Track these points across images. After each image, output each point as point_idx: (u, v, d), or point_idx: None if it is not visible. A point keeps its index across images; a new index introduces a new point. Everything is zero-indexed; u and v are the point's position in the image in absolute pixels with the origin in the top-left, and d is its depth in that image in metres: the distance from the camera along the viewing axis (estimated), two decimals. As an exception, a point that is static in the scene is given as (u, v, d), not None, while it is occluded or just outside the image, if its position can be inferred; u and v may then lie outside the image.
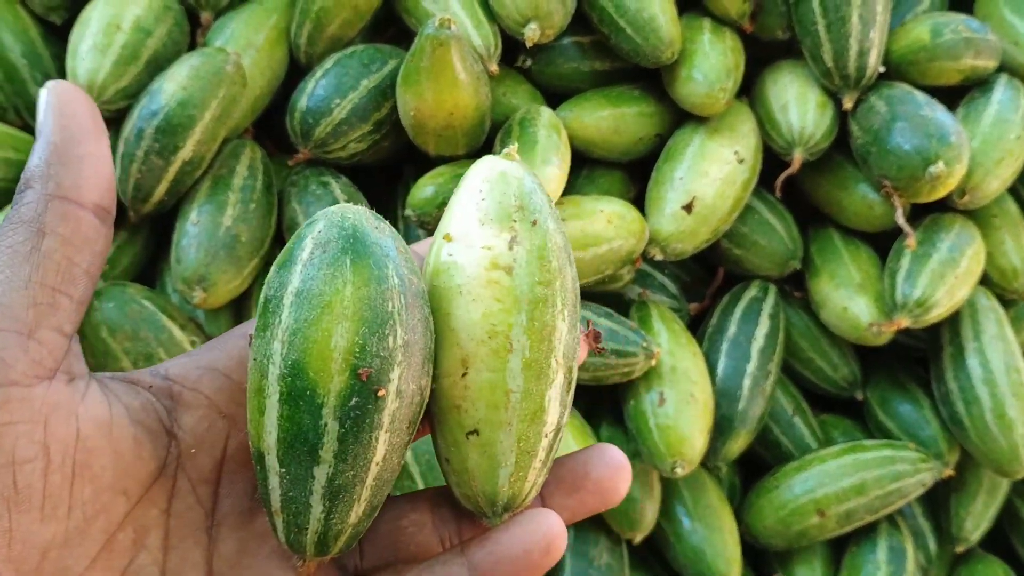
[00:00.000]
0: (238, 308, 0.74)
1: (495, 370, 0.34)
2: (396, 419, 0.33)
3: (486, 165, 0.37)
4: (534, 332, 0.35)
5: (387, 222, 0.36)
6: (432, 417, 0.37)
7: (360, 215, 0.34)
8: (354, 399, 0.32)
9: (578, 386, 0.77)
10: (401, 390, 0.33)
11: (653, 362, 0.71)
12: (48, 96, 0.36)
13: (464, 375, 0.34)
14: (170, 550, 0.36)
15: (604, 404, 0.79)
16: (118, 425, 0.35)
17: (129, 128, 0.68)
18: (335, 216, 0.34)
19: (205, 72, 0.68)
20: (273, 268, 0.34)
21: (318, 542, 0.34)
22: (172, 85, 0.68)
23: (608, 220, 0.71)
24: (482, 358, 0.34)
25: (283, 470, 0.33)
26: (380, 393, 0.32)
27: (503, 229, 0.35)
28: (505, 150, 0.38)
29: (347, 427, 0.32)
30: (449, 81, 0.68)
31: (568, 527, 0.74)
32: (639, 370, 0.71)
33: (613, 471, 0.38)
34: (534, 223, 0.35)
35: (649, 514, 0.74)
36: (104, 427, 0.34)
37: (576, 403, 0.78)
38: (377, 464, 0.33)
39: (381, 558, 0.38)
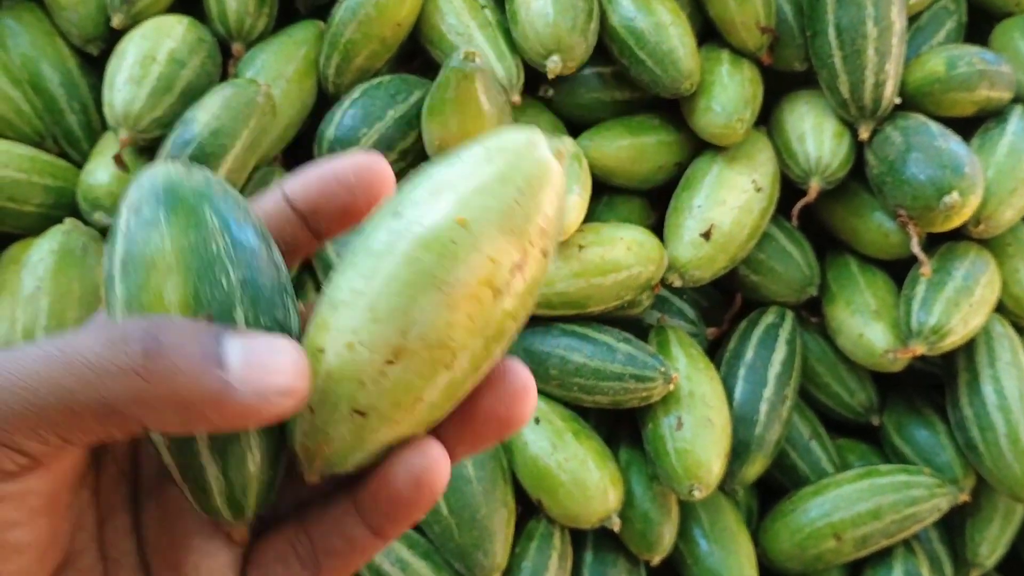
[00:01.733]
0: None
1: (423, 377, 0.31)
2: None
3: (535, 160, 0.31)
4: (476, 360, 0.31)
5: (204, 168, 0.34)
6: (317, 363, 0.32)
7: (171, 169, 0.33)
8: None
9: (597, 410, 0.79)
10: (252, 327, 0.31)
11: (671, 387, 0.72)
12: None
13: (389, 363, 0.30)
14: (104, 523, 0.36)
15: (623, 427, 0.80)
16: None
17: (164, 156, 0.70)
18: (144, 177, 0.33)
19: (237, 103, 0.70)
20: (104, 246, 0.33)
21: (228, 502, 0.33)
22: (205, 115, 0.70)
23: (627, 247, 0.73)
24: (419, 361, 0.30)
25: (166, 439, 0.32)
26: None
27: (517, 249, 0.30)
28: (557, 146, 0.32)
29: None
30: (474, 112, 0.70)
31: (589, 548, 0.76)
32: (657, 394, 0.73)
33: (510, 396, 0.33)
34: (544, 254, 0.32)
35: (667, 536, 0.75)
36: None
37: (596, 427, 0.79)
38: None
39: (281, 505, 0.37)
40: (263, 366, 0.29)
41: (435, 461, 0.32)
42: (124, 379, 0.28)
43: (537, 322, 0.75)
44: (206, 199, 0.32)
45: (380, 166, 0.35)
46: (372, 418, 0.31)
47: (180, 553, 0.35)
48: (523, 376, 0.33)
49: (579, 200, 0.71)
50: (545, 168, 0.31)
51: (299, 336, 0.33)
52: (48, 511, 0.32)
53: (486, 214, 0.30)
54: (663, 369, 0.72)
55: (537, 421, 0.73)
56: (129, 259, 0.31)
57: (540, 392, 0.76)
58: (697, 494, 0.71)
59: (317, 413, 0.32)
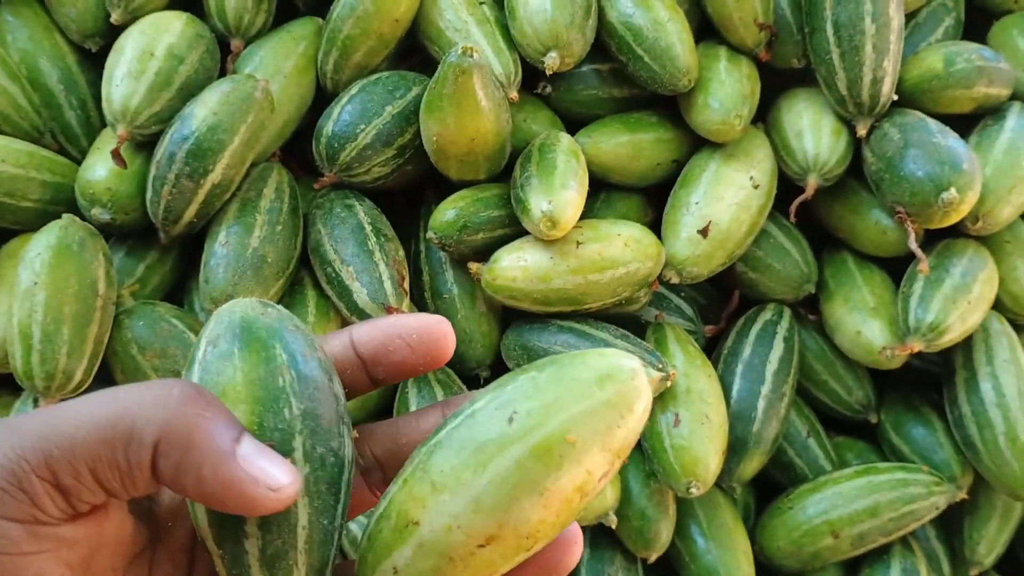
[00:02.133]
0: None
1: (506, 559, 0.35)
2: (311, 483, 0.35)
3: (637, 391, 0.35)
4: (551, 538, 0.36)
5: (278, 306, 0.38)
6: (410, 534, 0.35)
7: (247, 305, 0.37)
8: None
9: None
10: (309, 455, 0.35)
11: (669, 383, 0.72)
12: None
13: (480, 547, 0.34)
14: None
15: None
16: (116, 508, 0.37)
17: (161, 152, 0.70)
18: (223, 312, 0.37)
19: (235, 98, 0.70)
20: (183, 372, 0.37)
21: None
22: (203, 110, 0.70)
23: (625, 243, 0.73)
24: (506, 547, 0.34)
25: (221, 551, 0.35)
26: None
27: (608, 462, 0.35)
28: (653, 375, 0.36)
29: None
30: (471, 108, 0.70)
31: (585, 545, 0.75)
32: (655, 391, 0.72)
33: (561, 547, 0.38)
34: (624, 460, 0.36)
35: (664, 533, 0.75)
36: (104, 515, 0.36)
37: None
38: (304, 528, 0.35)
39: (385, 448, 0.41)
40: (267, 457, 0.33)
41: None
42: (154, 406, 0.32)
43: (535, 318, 0.75)
44: (277, 336, 0.36)
45: (443, 330, 0.39)
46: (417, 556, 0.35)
47: None
48: (574, 533, 0.38)
49: (577, 197, 0.71)
50: (643, 397, 0.35)
51: (351, 461, 0.37)
52: (85, 569, 0.35)
53: (592, 436, 0.34)
54: (660, 366, 0.72)
55: None
56: (204, 386, 0.35)
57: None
58: (695, 491, 0.71)
59: (401, 573, 0.35)
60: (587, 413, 0.34)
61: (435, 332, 0.39)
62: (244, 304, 0.37)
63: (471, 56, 0.68)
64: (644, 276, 0.74)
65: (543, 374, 0.35)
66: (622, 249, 0.73)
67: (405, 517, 0.35)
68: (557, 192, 0.70)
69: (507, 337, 0.76)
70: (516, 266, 0.72)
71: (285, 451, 0.34)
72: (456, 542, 0.34)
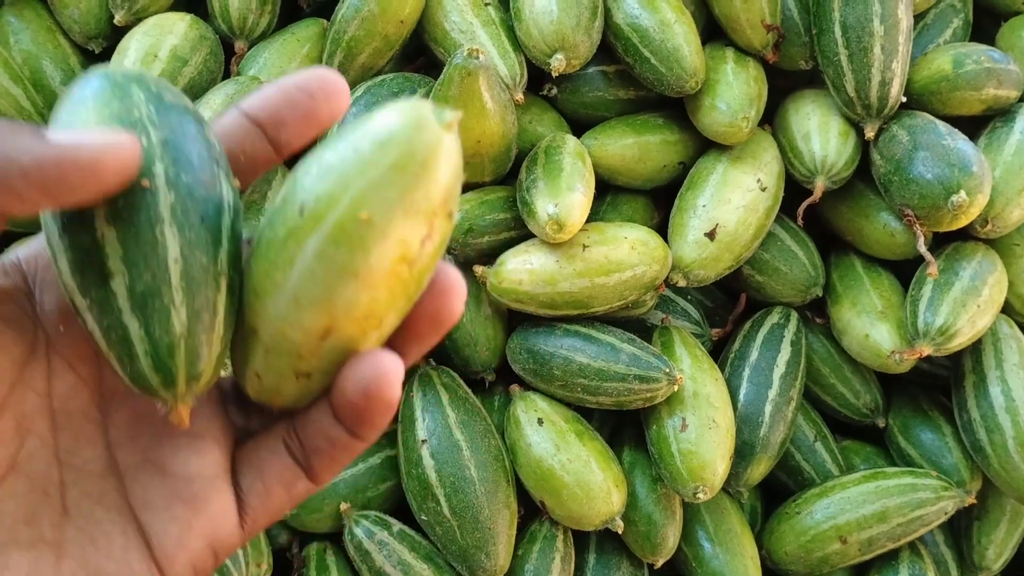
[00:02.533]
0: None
1: (356, 341, 0.33)
2: (179, 212, 0.32)
3: (427, 143, 0.31)
4: (404, 308, 0.34)
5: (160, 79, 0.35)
6: (256, 341, 0.34)
7: (115, 67, 0.35)
8: (120, 200, 0.31)
9: (601, 411, 0.78)
10: (173, 182, 0.32)
11: (675, 388, 0.72)
12: None
13: (322, 338, 0.32)
14: (60, 430, 0.35)
15: (627, 428, 0.79)
16: None
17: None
18: (88, 71, 0.34)
19: (239, 100, 0.70)
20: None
21: (155, 365, 0.32)
22: (207, 112, 0.70)
23: (632, 247, 0.72)
24: (350, 331, 0.32)
25: (87, 300, 0.32)
26: (144, 183, 0.31)
27: (423, 224, 0.31)
28: (446, 118, 0.32)
29: (123, 228, 0.31)
30: (477, 110, 0.69)
31: (592, 550, 0.75)
32: (661, 395, 0.72)
33: (441, 294, 0.35)
34: (449, 215, 0.33)
35: (671, 538, 0.74)
36: None
37: (599, 428, 0.79)
38: (176, 262, 0.31)
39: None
40: (83, 132, 0.30)
41: (381, 371, 0.33)
42: None
43: (540, 322, 0.75)
44: (135, 81, 0.33)
45: (336, 78, 0.37)
46: (316, 376, 0.34)
47: (165, 452, 0.36)
48: (450, 277, 0.35)
49: (583, 199, 0.70)
50: (437, 147, 0.31)
51: (233, 207, 0.34)
52: None
53: (388, 205, 0.31)
54: (667, 370, 0.71)
55: (540, 422, 0.73)
56: (54, 121, 0.32)
57: (543, 393, 0.75)
58: (702, 496, 0.70)
59: (263, 378, 0.34)
60: (373, 185, 0.31)
61: (330, 77, 0.36)
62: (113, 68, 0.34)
63: (477, 58, 0.67)
64: (651, 279, 0.73)
65: (328, 151, 0.32)
66: (628, 252, 0.72)
67: (246, 325, 0.34)
68: (563, 195, 0.69)
69: (512, 341, 0.76)
70: (522, 269, 0.72)
71: (144, 175, 0.31)
72: (296, 340, 0.32)
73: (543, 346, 0.73)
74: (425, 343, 0.36)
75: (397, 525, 0.73)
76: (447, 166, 0.31)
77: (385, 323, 0.33)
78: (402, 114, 0.31)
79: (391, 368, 0.33)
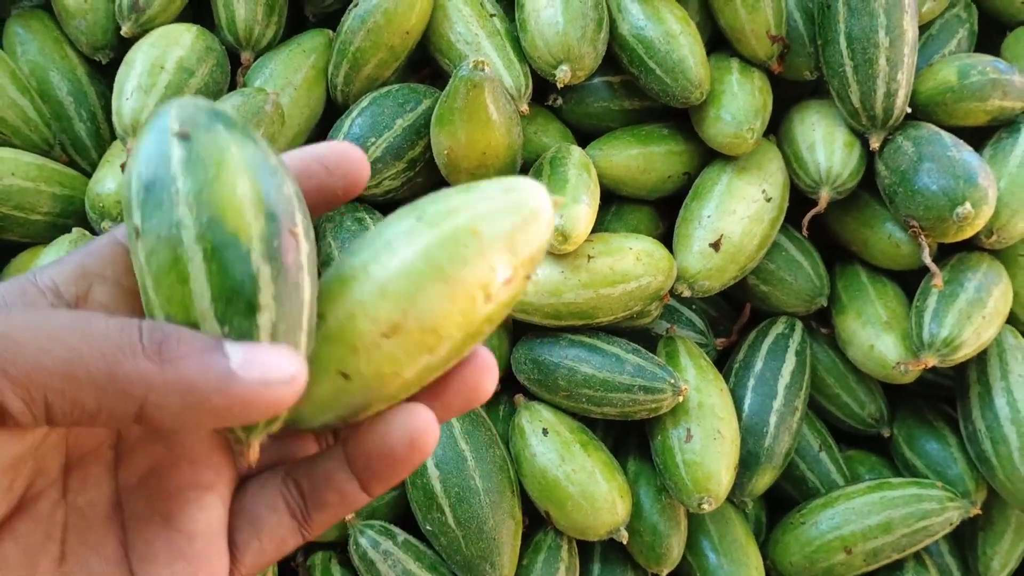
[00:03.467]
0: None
1: (409, 356, 0.34)
2: (310, 263, 0.33)
3: (539, 202, 0.35)
4: (452, 352, 0.35)
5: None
6: (332, 299, 0.35)
7: (203, 101, 0.35)
8: (275, 241, 0.32)
9: (606, 421, 0.78)
10: (307, 232, 0.33)
11: (680, 398, 0.72)
12: None
13: (384, 336, 0.34)
14: (71, 468, 0.35)
15: (632, 439, 0.79)
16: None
17: None
18: (185, 100, 0.34)
19: (245, 111, 0.70)
20: (131, 164, 0.34)
21: None
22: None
23: (636, 257, 0.72)
24: (410, 340, 0.34)
25: (226, 328, 0.32)
26: (296, 231, 0.32)
27: (511, 266, 0.35)
28: (555, 197, 0.36)
29: (277, 268, 0.32)
30: (482, 122, 0.69)
31: (596, 560, 0.75)
32: (666, 406, 0.72)
33: (478, 372, 0.37)
34: (526, 279, 0.36)
35: (675, 548, 0.74)
36: None
37: (603, 437, 0.79)
38: (309, 306, 0.33)
39: (264, 459, 0.38)
40: (264, 358, 0.31)
41: (427, 423, 0.35)
42: (134, 358, 0.29)
43: (545, 332, 0.75)
44: (248, 128, 0.35)
45: (357, 154, 0.38)
46: (354, 382, 0.34)
47: (173, 505, 0.36)
48: (488, 357, 0.37)
49: (588, 210, 0.70)
50: (545, 210, 0.36)
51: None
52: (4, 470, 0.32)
53: (497, 232, 0.34)
54: (672, 381, 0.71)
55: (545, 432, 0.73)
56: (194, 158, 0.32)
57: (548, 403, 0.75)
58: (707, 507, 0.70)
59: (312, 364, 0.34)
60: (493, 212, 0.34)
61: (351, 154, 0.37)
62: (195, 99, 0.35)
63: (482, 70, 0.68)
64: (656, 290, 0.73)
65: (451, 190, 0.36)
66: (634, 263, 0.72)
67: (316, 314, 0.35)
68: (569, 206, 0.69)
69: (517, 351, 0.76)
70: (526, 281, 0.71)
71: (291, 224, 0.32)
72: (360, 330, 0.33)
73: (548, 356, 0.74)
74: (450, 413, 0.37)
75: (402, 535, 0.73)
76: (546, 229, 0.36)
77: (437, 351, 0.34)
78: (523, 179, 0.36)
79: (433, 421, 0.35)
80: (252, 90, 0.72)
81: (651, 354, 0.74)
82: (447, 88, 0.70)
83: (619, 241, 0.74)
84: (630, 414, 0.73)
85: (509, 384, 0.79)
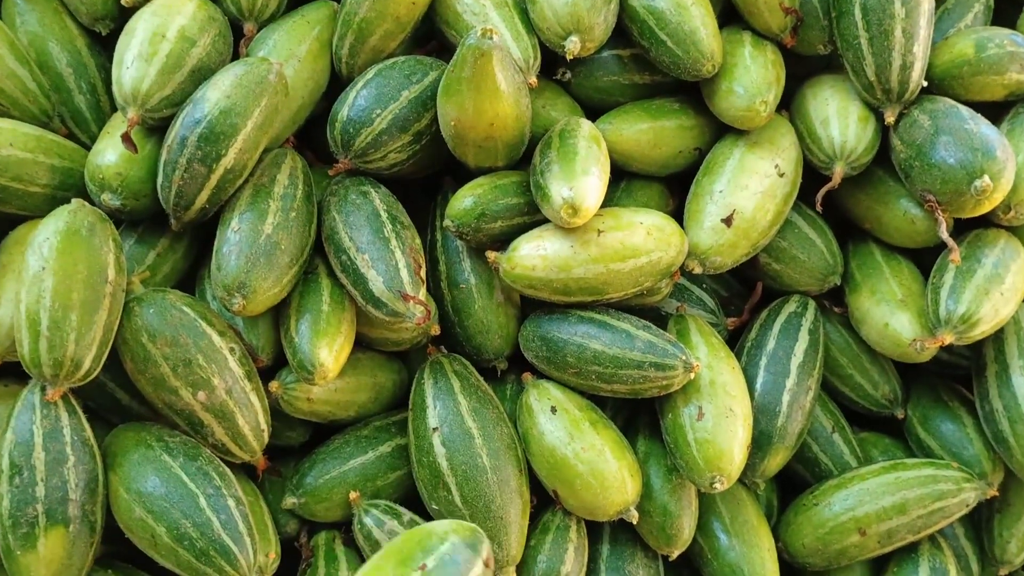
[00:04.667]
0: (276, 316, 0.74)
1: None
2: None
3: None
4: None
5: None
6: None
7: None
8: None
9: (615, 400, 0.77)
10: None
11: (692, 375, 0.71)
12: None
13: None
14: None
15: (641, 417, 0.78)
16: None
17: (173, 136, 0.69)
18: None
19: (248, 81, 0.69)
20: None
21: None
22: (216, 93, 0.68)
23: (647, 232, 0.71)
24: None
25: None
26: None
27: None
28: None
29: None
30: (490, 91, 0.68)
31: (605, 541, 0.74)
32: (678, 383, 0.71)
33: None
34: None
35: (686, 529, 0.73)
36: None
37: (613, 416, 0.77)
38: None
39: None
40: None
41: None
42: None
43: (554, 309, 0.74)
44: None
45: None
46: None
47: None
48: None
49: (598, 183, 0.69)
50: None
51: None
52: None
53: None
54: (684, 357, 0.70)
55: (554, 410, 0.72)
56: None
57: (557, 381, 0.74)
58: (718, 486, 0.69)
59: None
60: None
61: None
62: None
63: (490, 38, 0.66)
64: (667, 266, 0.72)
65: None
66: (644, 238, 0.71)
67: None
68: (578, 178, 0.68)
69: (525, 328, 0.75)
70: (535, 255, 0.70)
71: None
72: None
73: (557, 333, 0.72)
74: None
75: (408, 514, 0.72)
76: None
77: None
78: None
79: None
80: (255, 60, 0.71)
81: (663, 331, 0.73)
82: (454, 58, 0.68)
83: (629, 216, 0.72)
84: (640, 391, 0.72)
85: (517, 362, 0.78)
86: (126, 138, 0.70)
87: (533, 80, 0.74)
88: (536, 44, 0.75)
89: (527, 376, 0.76)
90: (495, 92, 0.68)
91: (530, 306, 0.76)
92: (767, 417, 0.74)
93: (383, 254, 0.70)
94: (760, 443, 0.74)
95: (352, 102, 0.73)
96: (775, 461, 0.75)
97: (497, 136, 0.71)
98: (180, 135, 0.68)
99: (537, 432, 0.72)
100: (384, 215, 0.72)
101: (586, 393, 0.74)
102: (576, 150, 0.70)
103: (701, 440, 0.70)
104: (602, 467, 0.70)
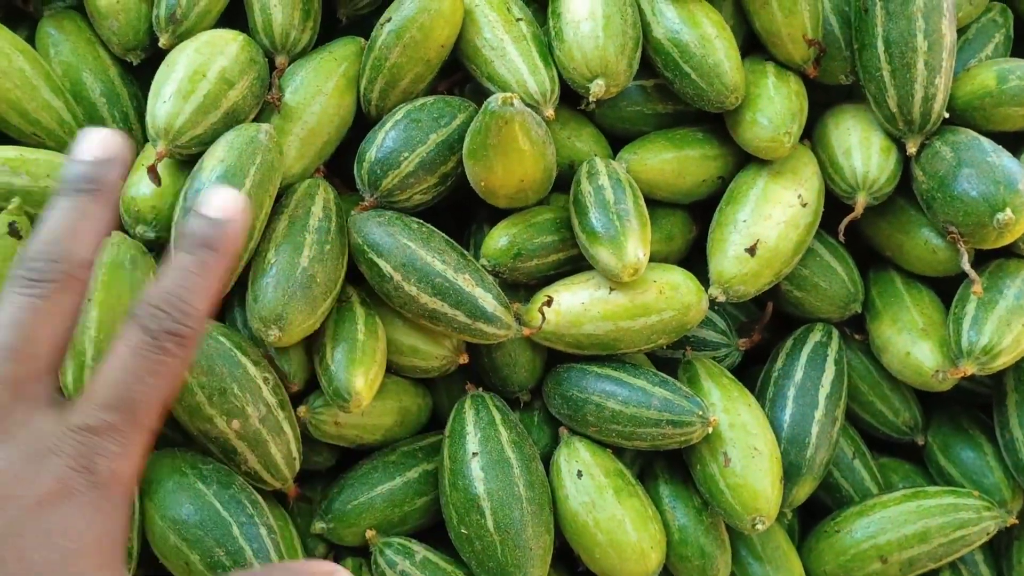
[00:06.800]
0: (306, 342, 0.74)
1: None
2: None
3: None
4: None
5: None
6: None
7: None
8: None
9: (632, 451, 0.77)
10: None
11: (710, 429, 0.72)
12: None
13: None
14: None
15: (659, 461, 0.79)
16: None
17: (178, 209, 0.70)
18: None
19: (239, 143, 0.70)
20: None
21: None
22: (211, 161, 0.69)
23: (660, 291, 0.72)
24: None
25: None
26: None
27: None
28: None
29: None
30: (517, 156, 0.70)
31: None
32: (697, 437, 0.72)
33: None
34: None
35: (723, 568, 0.74)
36: None
37: (634, 457, 0.78)
38: None
39: None
40: None
41: None
42: None
43: (574, 362, 0.75)
44: None
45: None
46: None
47: None
48: None
49: (640, 231, 0.72)
50: None
51: None
52: None
53: None
54: (701, 412, 0.71)
55: (579, 475, 0.72)
56: None
57: (582, 437, 0.75)
58: (760, 527, 0.70)
59: None
60: None
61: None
62: None
63: (512, 104, 0.67)
64: (680, 325, 0.73)
65: None
66: (656, 296, 0.72)
67: None
68: (620, 242, 0.71)
69: (547, 384, 0.77)
70: (549, 310, 0.72)
71: None
72: None
73: (576, 392, 0.74)
74: None
75: (421, 552, 0.72)
76: None
77: None
78: None
79: None
80: (244, 125, 0.71)
81: (679, 385, 0.74)
82: (477, 123, 0.69)
83: (645, 273, 0.73)
84: (661, 446, 0.73)
85: (541, 395, 0.79)
86: (152, 171, 0.70)
87: (549, 112, 0.74)
88: (555, 76, 0.75)
89: (563, 431, 0.76)
90: (521, 155, 0.70)
91: (555, 354, 0.78)
92: (796, 449, 0.75)
93: (479, 274, 0.72)
94: (790, 474, 0.75)
95: (380, 144, 0.73)
96: (803, 491, 0.76)
97: (527, 188, 0.73)
98: (185, 208, 0.69)
99: (563, 494, 0.73)
100: (450, 240, 0.74)
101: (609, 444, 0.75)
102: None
103: (733, 485, 0.71)
104: (621, 538, 0.71)
